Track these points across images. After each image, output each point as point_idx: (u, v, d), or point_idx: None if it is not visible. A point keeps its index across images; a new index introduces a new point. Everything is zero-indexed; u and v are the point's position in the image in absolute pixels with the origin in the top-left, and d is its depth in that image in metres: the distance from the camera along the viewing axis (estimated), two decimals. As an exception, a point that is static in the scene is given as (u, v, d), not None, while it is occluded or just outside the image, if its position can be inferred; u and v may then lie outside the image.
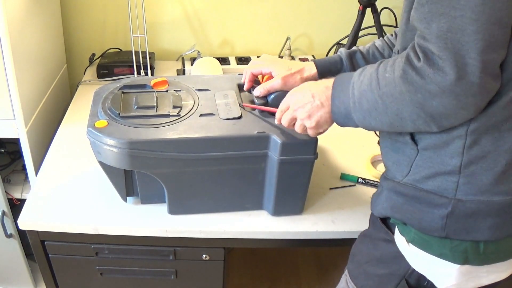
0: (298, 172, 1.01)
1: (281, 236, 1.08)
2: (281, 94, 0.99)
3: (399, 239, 0.86)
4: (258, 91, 1.04)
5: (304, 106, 0.85)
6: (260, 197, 1.08)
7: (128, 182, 1.07)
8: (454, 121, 0.71)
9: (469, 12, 0.63)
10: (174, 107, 1.03)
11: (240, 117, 1.01)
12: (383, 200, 0.87)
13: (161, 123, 0.98)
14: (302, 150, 0.98)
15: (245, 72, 1.09)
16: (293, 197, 1.07)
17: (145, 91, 1.09)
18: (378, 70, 0.74)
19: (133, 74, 1.59)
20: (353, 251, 0.99)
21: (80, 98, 1.54)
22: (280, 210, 1.08)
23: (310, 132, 0.89)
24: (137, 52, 1.56)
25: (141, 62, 1.58)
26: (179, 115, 1.01)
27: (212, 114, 1.02)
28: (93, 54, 1.74)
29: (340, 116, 0.81)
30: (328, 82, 0.83)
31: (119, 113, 1.00)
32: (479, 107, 0.69)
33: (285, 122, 0.90)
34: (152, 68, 1.62)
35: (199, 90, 1.11)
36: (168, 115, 1.01)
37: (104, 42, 1.76)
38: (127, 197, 1.10)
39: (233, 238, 1.08)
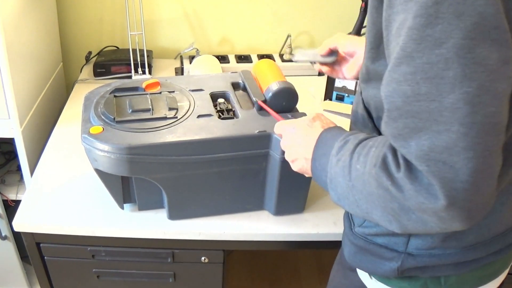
0: None
1: (282, 238, 1.08)
2: (279, 91, 1.01)
3: (361, 272, 0.86)
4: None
5: (290, 150, 0.81)
6: (261, 197, 1.08)
7: (125, 188, 1.06)
8: (431, 233, 0.66)
9: (456, 125, 0.52)
10: (170, 109, 1.03)
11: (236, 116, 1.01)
12: (343, 241, 0.88)
13: (159, 126, 0.98)
14: None
15: (323, 45, 1.02)
16: (295, 195, 1.07)
17: (138, 94, 1.08)
18: (352, 156, 0.64)
19: (131, 72, 1.59)
20: (330, 278, 1.00)
21: (76, 97, 1.54)
22: (282, 209, 1.09)
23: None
24: (134, 50, 1.55)
25: (138, 60, 1.58)
26: (176, 117, 1.01)
27: (209, 115, 1.03)
28: (90, 52, 1.73)
29: (319, 180, 0.74)
30: (318, 131, 0.75)
31: (114, 118, 0.99)
32: (465, 227, 0.58)
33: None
34: (150, 66, 1.62)
35: (193, 90, 1.12)
36: (165, 118, 1.00)
37: (101, 40, 1.76)
38: (124, 204, 1.10)
39: (233, 240, 1.08)
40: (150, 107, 1.03)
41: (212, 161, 0.98)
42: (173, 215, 1.07)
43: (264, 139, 0.98)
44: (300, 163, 0.78)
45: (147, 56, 1.59)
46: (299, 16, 1.78)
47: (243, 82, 1.14)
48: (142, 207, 1.10)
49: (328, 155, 0.69)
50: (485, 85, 0.51)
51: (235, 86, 1.14)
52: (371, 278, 0.84)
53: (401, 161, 0.57)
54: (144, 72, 1.59)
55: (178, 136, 0.95)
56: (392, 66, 0.56)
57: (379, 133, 0.76)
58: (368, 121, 0.78)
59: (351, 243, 0.83)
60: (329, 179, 0.69)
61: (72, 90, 1.60)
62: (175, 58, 1.80)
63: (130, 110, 1.02)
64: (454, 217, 0.55)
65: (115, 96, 1.07)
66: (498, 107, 0.52)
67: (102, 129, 0.97)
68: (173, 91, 1.11)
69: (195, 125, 0.99)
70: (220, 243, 1.09)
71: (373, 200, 0.61)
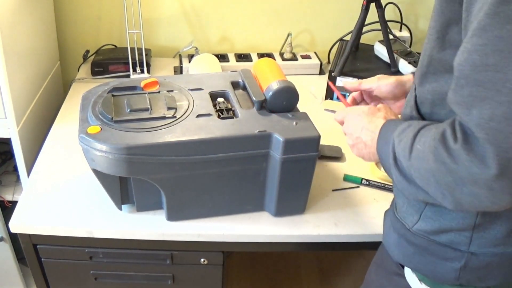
0: (300, 170, 1.02)
1: (282, 239, 1.08)
2: (279, 91, 1.02)
3: (410, 277, 0.86)
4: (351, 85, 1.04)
5: (351, 135, 0.87)
6: (262, 198, 1.08)
7: (123, 189, 1.06)
8: (482, 210, 0.68)
9: None
10: (169, 108, 1.03)
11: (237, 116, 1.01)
12: (393, 242, 0.86)
13: (158, 126, 0.98)
14: (305, 148, 0.99)
15: (359, 84, 1.05)
16: (295, 196, 1.07)
17: (136, 93, 1.08)
18: (415, 139, 0.69)
19: (129, 71, 1.59)
20: (368, 279, 1.00)
21: (73, 96, 1.54)
22: (282, 210, 1.09)
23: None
24: (132, 49, 1.55)
25: (137, 59, 1.57)
26: (175, 116, 1.01)
27: (209, 114, 1.03)
28: (87, 51, 1.73)
29: (384, 165, 0.78)
30: (381, 121, 0.81)
31: (112, 118, 0.99)
32: None
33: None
34: (148, 65, 1.62)
35: (192, 89, 1.11)
36: (163, 117, 1.00)
37: (99, 38, 1.76)
38: (122, 205, 1.10)
39: (232, 241, 1.08)
40: (149, 106, 1.03)
41: (211, 161, 0.98)
42: (171, 216, 1.07)
43: (264, 139, 0.98)
44: (361, 147, 0.85)
45: (146, 54, 1.59)
46: (300, 14, 1.78)
47: (243, 81, 1.14)
48: (140, 208, 1.09)
49: (388, 143, 0.74)
50: None
51: (235, 85, 1.14)
52: (421, 283, 0.84)
53: (458, 134, 0.61)
54: (142, 71, 1.59)
55: (177, 136, 0.95)
56: (467, 37, 0.60)
57: None
58: (417, 118, 0.79)
59: (409, 244, 0.82)
60: (392, 160, 0.72)
61: (69, 89, 1.60)
62: (174, 57, 1.80)
63: (128, 110, 1.02)
64: (504, 188, 0.59)
65: (113, 95, 1.07)
66: None
67: (100, 129, 0.96)
68: (172, 90, 1.11)
69: (194, 125, 0.99)
70: (219, 244, 1.09)
71: (428, 177, 0.65)
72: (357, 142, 0.85)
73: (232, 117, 1.03)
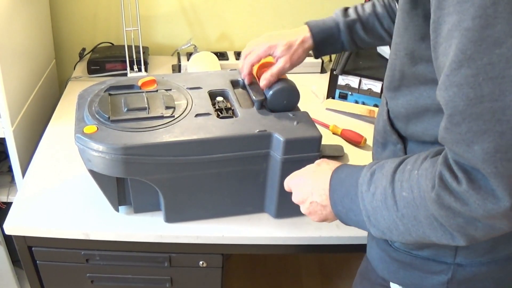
0: None
1: (283, 241, 1.08)
2: (280, 90, 1.02)
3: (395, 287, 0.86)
4: (267, 81, 1.03)
5: (304, 202, 0.81)
6: (262, 199, 1.08)
7: (120, 190, 1.06)
8: (497, 235, 0.64)
9: None
10: (167, 107, 1.03)
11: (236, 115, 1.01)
12: (377, 257, 0.86)
13: (155, 126, 0.97)
14: (306, 148, 0.98)
15: (243, 65, 1.08)
16: None
17: (133, 92, 1.08)
18: (394, 186, 0.65)
19: (126, 70, 1.59)
20: None
21: (69, 95, 1.54)
22: (283, 212, 1.08)
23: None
24: (130, 47, 1.55)
25: (134, 57, 1.57)
26: (173, 116, 1.00)
27: (208, 114, 1.02)
28: (84, 49, 1.73)
29: (349, 221, 0.75)
30: (327, 175, 0.76)
31: (108, 117, 0.98)
32: None
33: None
34: (146, 63, 1.62)
35: (190, 88, 1.11)
36: (161, 117, 1.00)
37: (95, 36, 1.76)
38: (119, 207, 1.10)
39: (232, 243, 1.08)
40: (146, 105, 1.03)
41: (210, 161, 0.98)
42: (170, 218, 1.07)
43: (265, 139, 0.98)
44: (319, 211, 0.78)
45: (143, 52, 1.59)
46: (301, 12, 1.78)
47: (242, 80, 1.14)
48: (138, 210, 1.09)
49: (353, 195, 0.70)
50: None
51: (234, 84, 1.14)
52: None
53: (459, 174, 0.58)
54: (140, 70, 1.58)
55: (176, 135, 0.95)
56: (450, 70, 0.56)
57: (404, 144, 0.78)
58: (391, 133, 0.78)
59: (392, 260, 0.82)
60: (366, 217, 0.69)
61: (65, 88, 1.60)
62: (172, 55, 1.80)
63: (126, 109, 1.01)
64: None
65: (109, 94, 1.07)
66: None
67: (96, 128, 0.96)
68: (170, 89, 1.10)
69: (193, 125, 0.98)
70: (218, 246, 1.09)
71: (430, 222, 0.62)
72: (312, 207, 0.79)
73: (231, 117, 1.03)
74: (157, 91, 1.09)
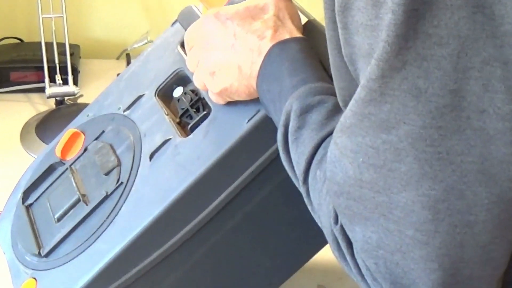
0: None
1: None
2: None
3: None
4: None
5: (210, 54, 0.75)
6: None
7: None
8: None
9: (411, 230, 0.45)
10: (107, 173, 0.90)
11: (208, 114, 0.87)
12: None
13: (103, 223, 0.85)
14: None
15: None
16: None
17: (56, 179, 0.94)
18: (313, 160, 0.58)
19: (43, 81, 1.31)
20: None
21: None
22: None
23: (212, 98, 0.79)
24: (49, 45, 1.31)
25: (56, 61, 1.30)
26: (121, 182, 0.88)
27: (166, 142, 0.87)
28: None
29: (266, 109, 0.71)
30: (266, 44, 0.69)
31: (39, 252, 0.89)
32: None
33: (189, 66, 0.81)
34: (75, 70, 1.38)
35: (129, 107, 0.95)
36: (106, 198, 0.87)
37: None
38: None
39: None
40: (78, 194, 0.89)
41: (213, 218, 0.83)
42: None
43: (265, 129, 0.80)
44: (232, 74, 0.72)
45: (71, 54, 1.35)
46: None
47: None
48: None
49: (282, 96, 0.65)
50: (456, 187, 0.45)
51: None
52: None
53: (343, 244, 0.54)
54: (65, 82, 1.32)
55: (139, 219, 0.82)
56: (340, 122, 0.51)
57: None
58: None
59: None
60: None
61: None
62: (119, 58, 1.55)
63: (56, 219, 0.90)
64: None
65: (27, 207, 0.95)
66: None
67: (35, 281, 0.87)
68: (103, 131, 0.95)
69: (153, 179, 0.85)
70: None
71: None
72: (223, 66, 0.72)
73: (206, 115, 0.86)
74: (85, 150, 0.95)
